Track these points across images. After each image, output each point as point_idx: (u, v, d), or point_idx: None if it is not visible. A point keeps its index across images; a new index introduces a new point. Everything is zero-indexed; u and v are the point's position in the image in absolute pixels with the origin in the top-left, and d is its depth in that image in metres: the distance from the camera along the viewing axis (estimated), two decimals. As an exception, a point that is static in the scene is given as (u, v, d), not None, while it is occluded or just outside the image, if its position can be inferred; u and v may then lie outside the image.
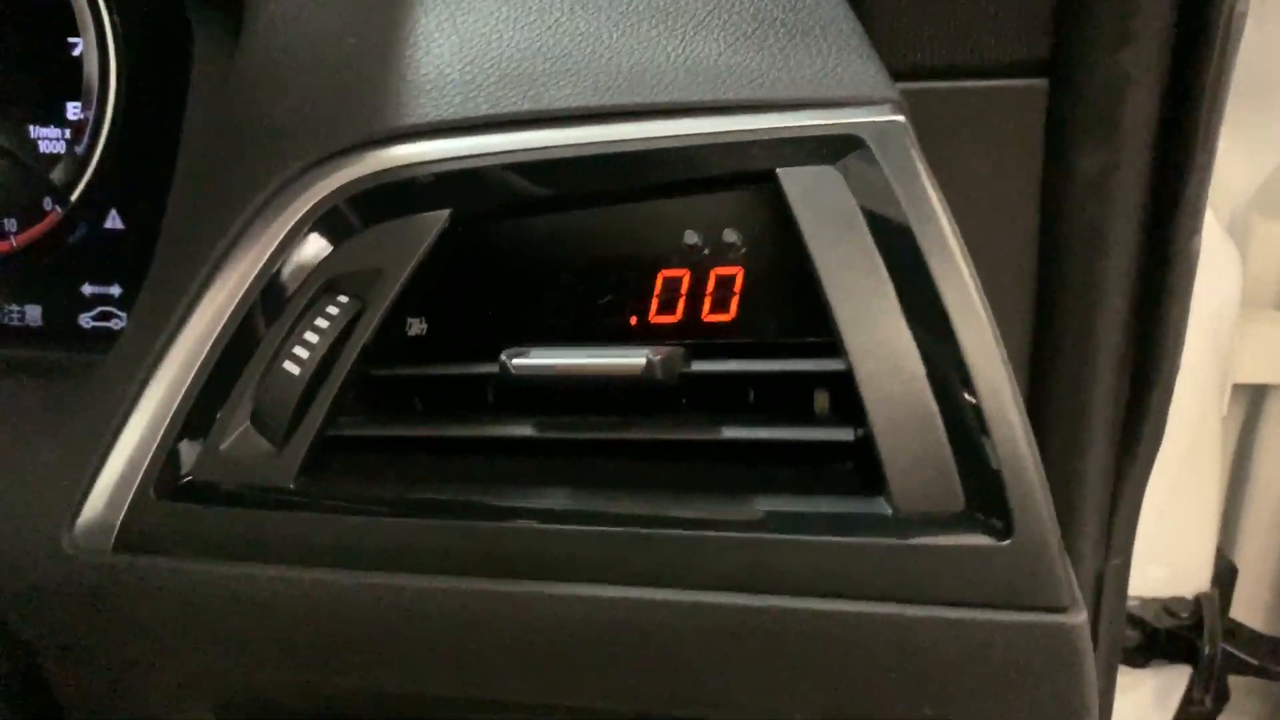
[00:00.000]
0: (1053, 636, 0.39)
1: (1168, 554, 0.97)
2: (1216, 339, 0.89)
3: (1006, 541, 0.40)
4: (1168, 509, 0.91)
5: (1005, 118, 0.58)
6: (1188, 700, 1.02)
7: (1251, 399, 1.04)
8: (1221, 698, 1.06)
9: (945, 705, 0.41)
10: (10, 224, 0.59)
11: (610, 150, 0.45)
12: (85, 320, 0.59)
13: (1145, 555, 0.86)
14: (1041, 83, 0.56)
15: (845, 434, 0.43)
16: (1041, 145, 0.58)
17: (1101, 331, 0.63)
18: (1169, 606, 0.96)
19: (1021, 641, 0.40)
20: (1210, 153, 0.57)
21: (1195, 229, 0.59)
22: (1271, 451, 1.04)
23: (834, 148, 0.43)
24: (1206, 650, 0.91)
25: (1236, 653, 0.94)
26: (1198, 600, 0.95)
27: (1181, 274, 0.60)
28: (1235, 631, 0.97)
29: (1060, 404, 0.67)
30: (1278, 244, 1.01)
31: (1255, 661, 0.94)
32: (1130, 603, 0.98)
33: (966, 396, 0.40)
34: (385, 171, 0.46)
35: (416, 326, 0.47)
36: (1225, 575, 1.04)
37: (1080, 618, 0.40)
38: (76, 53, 0.57)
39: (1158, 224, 0.59)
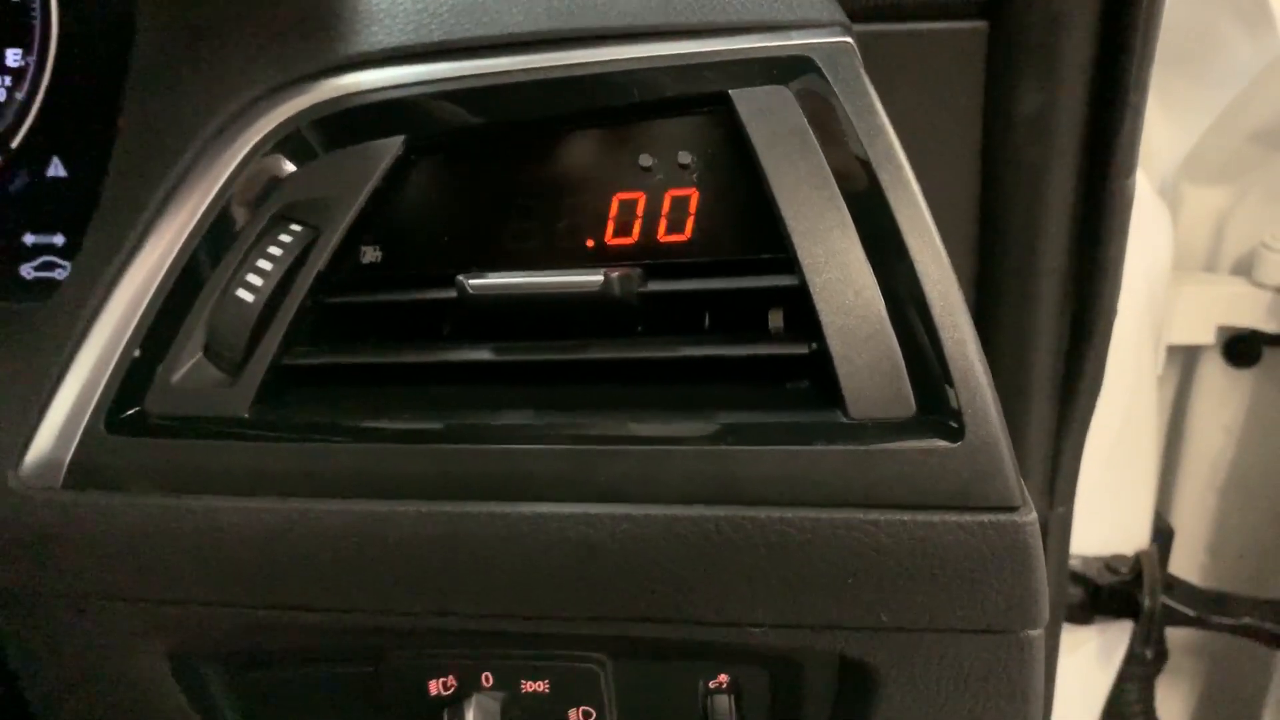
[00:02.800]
0: (1005, 534, 0.40)
1: (1108, 513, 0.99)
2: (1150, 299, 0.91)
3: (958, 443, 0.41)
4: (1107, 468, 0.93)
5: (946, 60, 0.59)
6: (1130, 657, 1.05)
7: (1184, 361, 1.08)
8: (1161, 655, 1.09)
9: (902, 610, 0.42)
10: (-52, 174, 0.57)
11: (563, 75, 0.45)
12: (27, 270, 0.57)
13: (1086, 514, 0.88)
14: (982, 25, 0.58)
15: (800, 349, 0.43)
16: (982, 87, 0.60)
17: (1041, 274, 0.65)
18: (1110, 564, 0.98)
19: (975, 541, 0.41)
20: (1142, 93, 0.59)
21: (1130, 168, 0.61)
22: (1204, 412, 1.07)
23: (784, 68, 0.44)
24: (1148, 603, 0.93)
25: (1176, 605, 0.97)
26: (1138, 557, 0.98)
27: (1117, 213, 0.62)
28: (1174, 585, 1.00)
29: (1002, 350, 0.69)
30: (1205, 209, 1.04)
31: (1193, 613, 0.97)
32: (1072, 561, 1.00)
33: (916, 304, 0.42)
34: (338, 99, 0.46)
35: (371, 254, 0.47)
36: (1163, 535, 1.07)
37: (1030, 516, 0.41)
38: (15, -3, 0.56)
39: (1094, 164, 0.61)
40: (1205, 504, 1.10)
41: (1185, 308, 1.00)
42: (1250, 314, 1.00)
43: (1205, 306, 1.01)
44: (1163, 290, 0.94)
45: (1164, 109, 0.97)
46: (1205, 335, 1.02)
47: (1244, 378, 1.05)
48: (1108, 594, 0.97)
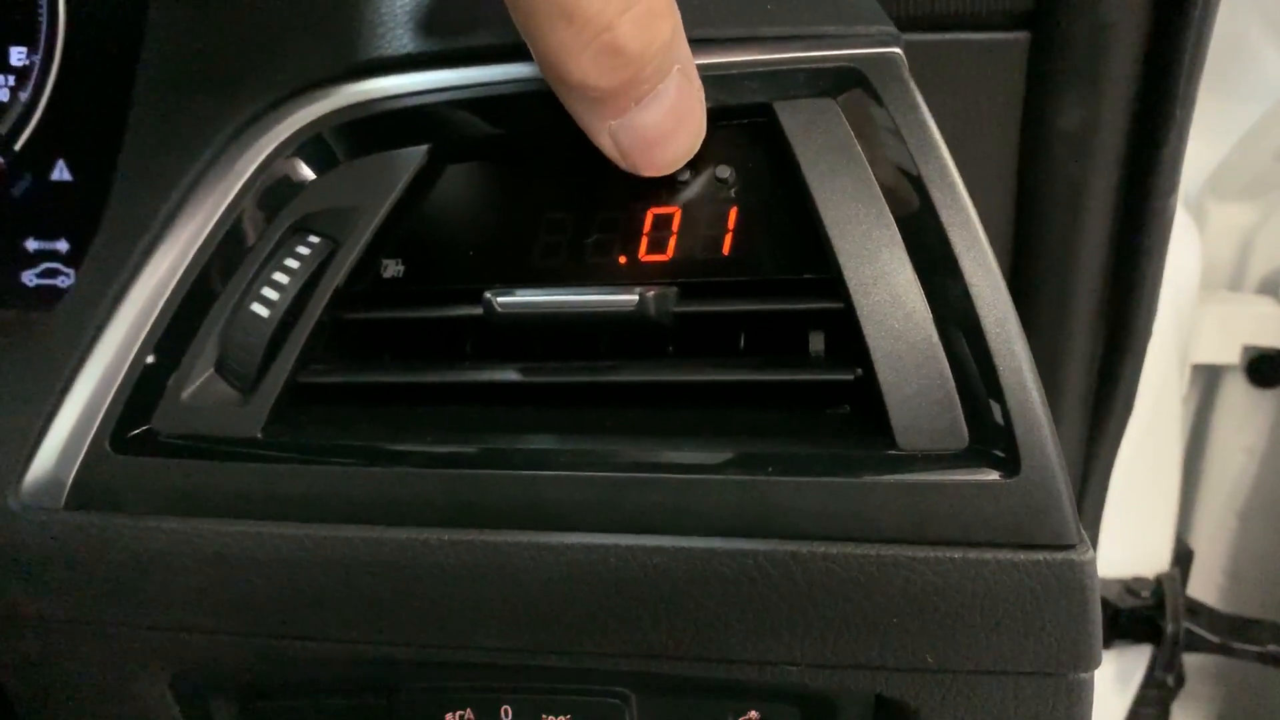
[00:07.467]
0: (1061, 574, 0.38)
1: (1128, 534, 0.97)
2: (1177, 318, 0.90)
3: (1014, 478, 0.38)
4: (1128, 489, 0.91)
5: (985, 71, 0.57)
6: (1148, 681, 1.03)
7: (1207, 380, 1.06)
8: (1179, 680, 1.07)
9: (948, 651, 0.40)
10: (-53, 176, 0.55)
11: (598, 83, 0.43)
12: (29, 277, 0.55)
13: (1106, 536, 0.86)
14: (1023, 36, 0.56)
15: (846, 375, 0.41)
16: (1022, 100, 0.58)
17: (1078, 292, 0.63)
18: (1131, 586, 0.96)
19: (1029, 581, 0.38)
20: (1189, 110, 0.57)
21: (1173, 186, 0.59)
22: (1226, 433, 1.05)
23: (831, 81, 0.42)
24: (1169, 628, 0.91)
25: (1198, 630, 0.95)
26: (1159, 580, 0.96)
27: (1157, 232, 0.60)
28: (1196, 610, 0.98)
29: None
30: (1231, 226, 1.02)
31: (1216, 639, 0.95)
32: (1093, 583, 0.98)
33: (971, 330, 0.39)
34: (361, 105, 0.44)
35: (392, 268, 0.45)
36: (1183, 557, 1.05)
37: (1088, 555, 0.39)
38: (21, -7, 0.54)
39: (1136, 182, 0.59)
40: (1226, 526, 1.08)
41: (1210, 327, 0.98)
42: (1276, 334, 0.98)
43: (1230, 326, 0.99)
44: (1189, 308, 0.92)
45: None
46: (1230, 355, 1.00)
47: (1267, 398, 1.03)
48: (1128, 618, 0.95)
